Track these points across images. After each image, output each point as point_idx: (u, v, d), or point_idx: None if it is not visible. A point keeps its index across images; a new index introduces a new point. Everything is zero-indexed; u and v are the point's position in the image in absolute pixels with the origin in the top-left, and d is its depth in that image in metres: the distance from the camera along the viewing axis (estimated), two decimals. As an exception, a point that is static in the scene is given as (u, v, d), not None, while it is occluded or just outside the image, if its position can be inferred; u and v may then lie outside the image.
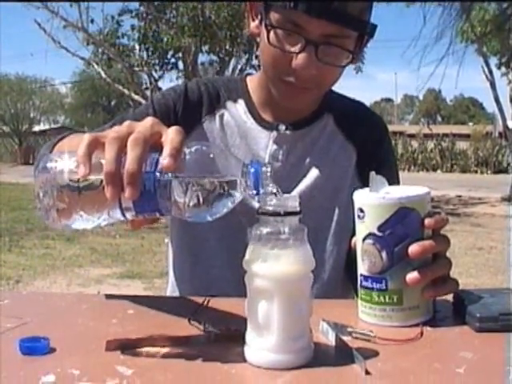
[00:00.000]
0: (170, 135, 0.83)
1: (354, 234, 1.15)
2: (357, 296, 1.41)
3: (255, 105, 1.41)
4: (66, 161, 0.85)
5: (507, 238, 8.53)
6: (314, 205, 1.35)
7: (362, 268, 1.01)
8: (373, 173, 1.02)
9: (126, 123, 0.85)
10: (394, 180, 1.40)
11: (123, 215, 0.84)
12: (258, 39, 1.32)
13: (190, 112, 1.40)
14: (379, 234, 0.97)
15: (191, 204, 0.81)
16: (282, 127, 1.38)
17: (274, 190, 0.83)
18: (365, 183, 1.36)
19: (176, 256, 1.48)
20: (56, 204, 0.85)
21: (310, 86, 1.28)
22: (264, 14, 1.26)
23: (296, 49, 1.22)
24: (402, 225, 0.97)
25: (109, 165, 0.80)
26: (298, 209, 0.82)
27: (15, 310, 1.10)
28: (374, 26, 1.27)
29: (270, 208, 0.81)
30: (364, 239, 0.99)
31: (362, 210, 1.00)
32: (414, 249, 0.96)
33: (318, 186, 1.37)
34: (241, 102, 1.42)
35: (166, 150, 0.80)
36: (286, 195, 0.84)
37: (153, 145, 0.83)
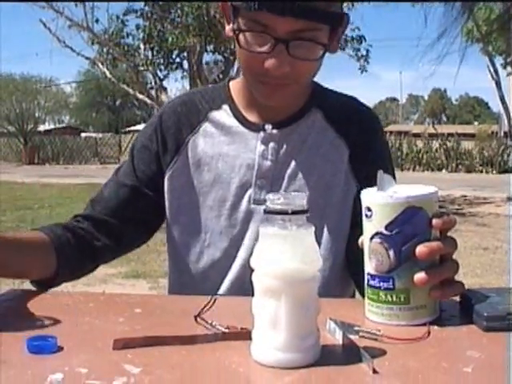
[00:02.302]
0: None
1: (353, 232, 1.14)
2: (360, 294, 1.41)
3: (239, 108, 1.41)
4: None
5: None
6: (308, 203, 1.35)
7: (369, 267, 1.01)
8: (380, 171, 1.02)
9: None
10: (388, 174, 1.40)
11: None
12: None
13: (170, 140, 1.42)
14: (387, 232, 0.97)
15: None
16: (269, 127, 1.37)
17: None
18: (359, 179, 1.36)
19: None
20: None
21: (287, 82, 1.27)
22: (232, 18, 1.26)
23: (266, 49, 1.22)
24: (409, 224, 0.97)
25: None
26: (306, 207, 0.82)
27: (22, 308, 1.10)
28: (343, 15, 1.27)
29: (278, 207, 0.81)
30: (371, 238, 0.99)
31: (369, 209, 0.99)
32: (421, 250, 0.96)
33: (310, 183, 1.36)
34: (225, 108, 1.42)
35: None
36: (293, 193, 0.84)
37: None
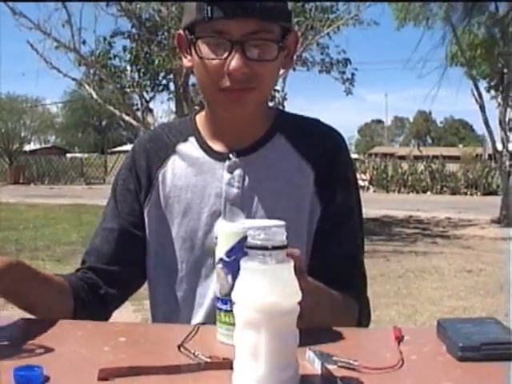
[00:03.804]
0: None
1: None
2: None
3: (205, 139, 1.45)
4: None
5: (497, 260, 8.56)
6: None
7: (216, 290, 1.11)
8: (229, 206, 1.12)
9: None
10: (351, 194, 1.43)
11: None
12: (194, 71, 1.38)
13: (143, 177, 1.46)
14: (226, 259, 1.07)
15: None
16: (233, 155, 1.41)
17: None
18: (323, 200, 1.39)
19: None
20: None
21: (248, 86, 1.31)
22: (190, 37, 1.34)
23: (225, 54, 1.28)
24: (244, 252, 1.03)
25: None
26: (286, 243, 0.85)
27: (10, 336, 1.11)
28: (290, 13, 1.39)
29: (258, 242, 0.84)
30: (218, 263, 1.09)
31: (216, 237, 1.10)
32: None
33: (279, 208, 1.38)
34: (192, 140, 1.46)
35: None
36: (273, 229, 0.87)
37: None
